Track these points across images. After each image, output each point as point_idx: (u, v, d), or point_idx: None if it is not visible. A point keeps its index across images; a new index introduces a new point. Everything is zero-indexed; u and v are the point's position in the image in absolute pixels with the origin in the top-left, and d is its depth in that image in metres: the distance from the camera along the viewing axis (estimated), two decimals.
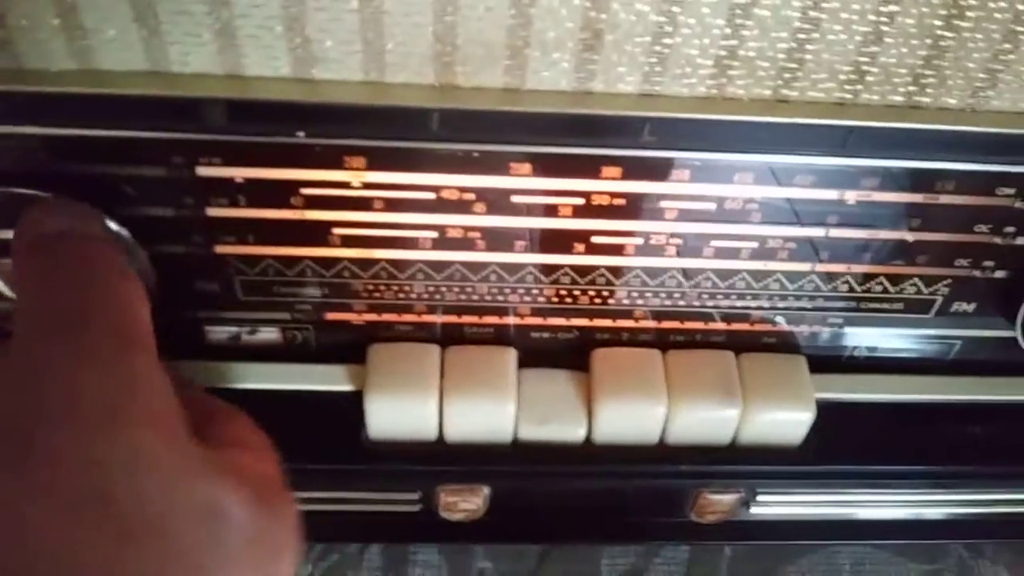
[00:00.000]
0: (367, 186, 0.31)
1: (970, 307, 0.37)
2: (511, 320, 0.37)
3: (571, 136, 0.30)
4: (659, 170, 0.31)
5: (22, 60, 0.27)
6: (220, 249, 0.33)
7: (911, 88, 0.29)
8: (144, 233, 0.32)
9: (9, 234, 0.29)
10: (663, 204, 0.33)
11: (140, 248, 0.32)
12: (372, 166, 0.31)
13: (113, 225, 0.31)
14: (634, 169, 0.31)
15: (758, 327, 0.38)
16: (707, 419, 0.37)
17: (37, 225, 0.27)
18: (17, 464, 0.22)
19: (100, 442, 0.22)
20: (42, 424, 0.22)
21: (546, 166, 0.31)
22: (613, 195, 0.32)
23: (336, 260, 0.34)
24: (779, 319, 0.37)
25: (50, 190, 0.30)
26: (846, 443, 0.38)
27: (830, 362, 0.39)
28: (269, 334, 0.37)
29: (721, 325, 0.37)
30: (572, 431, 0.37)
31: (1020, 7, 0.27)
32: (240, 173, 0.31)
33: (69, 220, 0.28)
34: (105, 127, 0.29)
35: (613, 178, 0.32)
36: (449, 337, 0.37)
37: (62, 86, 0.27)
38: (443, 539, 0.41)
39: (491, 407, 0.36)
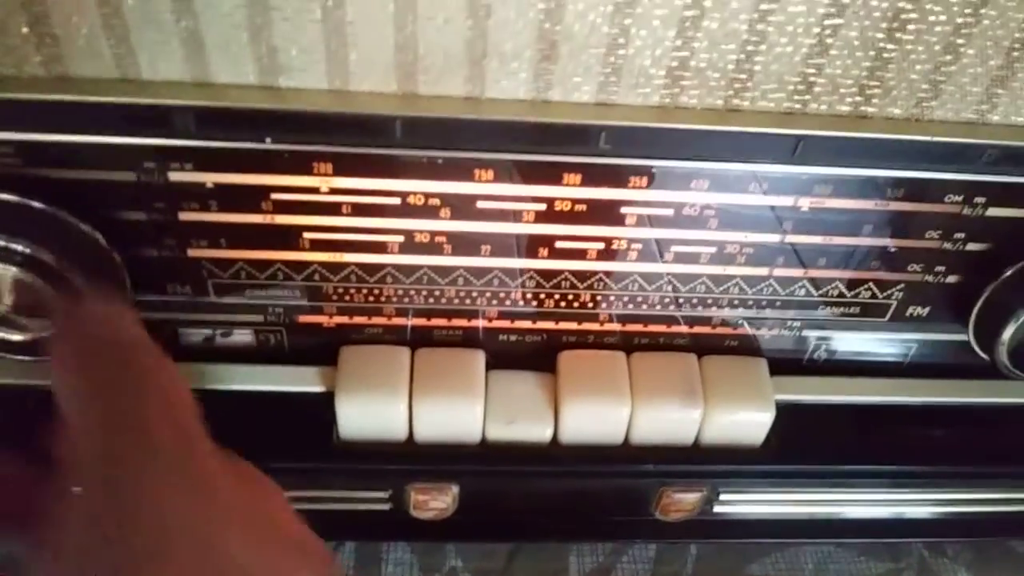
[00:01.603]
0: (335, 191, 0.32)
1: (924, 311, 0.38)
2: (479, 323, 0.38)
3: (531, 143, 0.31)
4: (617, 177, 0.32)
5: None
6: (193, 252, 0.34)
7: (857, 98, 0.30)
8: (118, 237, 0.33)
9: None
10: (623, 210, 0.34)
11: (114, 251, 0.33)
12: (339, 172, 0.32)
13: (88, 229, 0.32)
14: (593, 176, 0.32)
15: (720, 330, 0.39)
16: (670, 419, 0.38)
17: (78, 327, 0.26)
18: None
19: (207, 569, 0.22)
20: (144, 563, 0.21)
21: (508, 173, 0.32)
22: (574, 201, 0.33)
23: (306, 263, 0.35)
24: (740, 322, 0.38)
25: (24, 194, 0.31)
26: (806, 444, 0.39)
27: (791, 364, 0.40)
28: (243, 336, 0.38)
29: (684, 328, 0.38)
30: (539, 431, 0.38)
31: (959, 20, 0.28)
32: (211, 178, 0.32)
33: (110, 323, 0.26)
34: (77, 132, 0.29)
35: (573, 184, 0.33)
36: (419, 339, 0.38)
37: (33, 92, 0.28)
38: (414, 537, 0.42)
39: (459, 407, 0.37)
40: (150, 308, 0.36)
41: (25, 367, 0.36)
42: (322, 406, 0.37)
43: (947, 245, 0.35)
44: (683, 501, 0.40)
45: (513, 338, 0.39)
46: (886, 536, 0.43)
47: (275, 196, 0.32)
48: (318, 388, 0.38)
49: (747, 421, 0.38)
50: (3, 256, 0.30)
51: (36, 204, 0.31)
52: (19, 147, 0.30)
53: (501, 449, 0.38)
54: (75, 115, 0.29)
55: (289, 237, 0.34)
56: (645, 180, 0.32)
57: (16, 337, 0.33)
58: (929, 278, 0.37)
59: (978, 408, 0.40)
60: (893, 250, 0.35)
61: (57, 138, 0.30)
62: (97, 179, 0.31)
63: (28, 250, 0.31)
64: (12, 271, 0.31)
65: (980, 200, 0.34)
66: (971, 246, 0.35)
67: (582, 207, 0.33)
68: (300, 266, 0.35)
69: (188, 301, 0.36)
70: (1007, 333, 0.36)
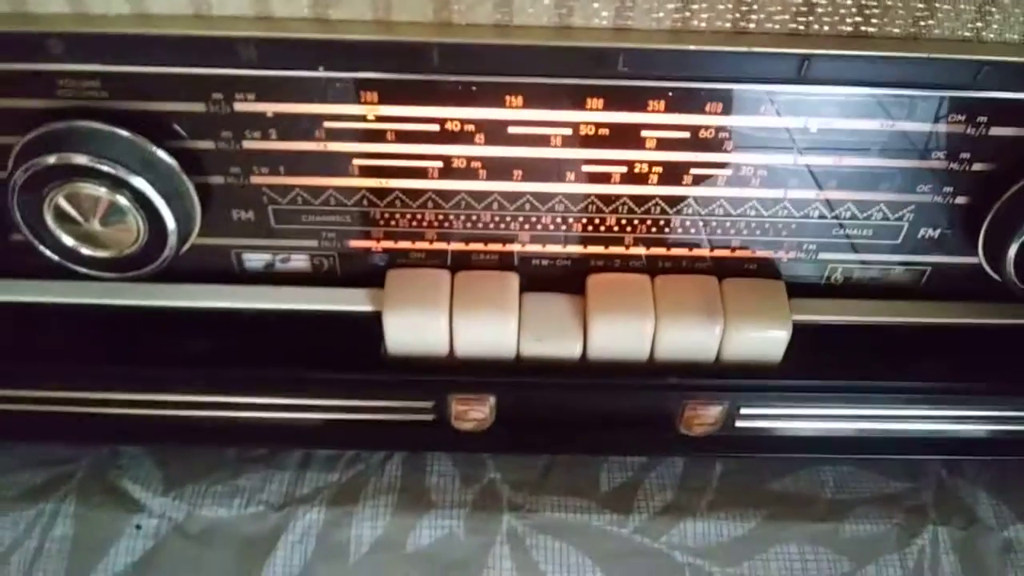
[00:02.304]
0: (380, 119, 0.36)
1: (935, 233, 0.40)
2: (514, 248, 0.41)
3: (556, 67, 0.34)
4: (636, 100, 0.35)
5: (85, 5, 0.32)
6: (255, 180, 0.38)
7: (857, 18, 0.33)
8: (190, 165, 0.37)
9: (78, 158, 0.34)
10: (643, 133, 0.36)
11: (186, 178, 0.37)
12: (384, 100, 0.35)
13: (166, 157, 0.36)
14: (614, 100, 0.35)
15: (739, 254, 0.41)
16: (691, 336, 0.40)
17: None
18: None
19: None
20: None
21: (536, 98, 0.35)
22: (597, 125, 0.36)
23: (356, 189, 0.39)
24: (758, 245, 0.41)
25: (111, 123, 0.35)
26: (823, 361, 0.42)
27: (809, 287, 0.42)
28: (299, 261, 0.42)
29: (704, 252, 0.41)
30: (569, 347, 0.41)
31: None
32: (271, 108, 0.36)
33: None
34: (155, 64, 0.34)
35: (596, 109, 0.36)
36: (458, 264, 0.41)
37: (118, 27, 0.32)
38: (455, 448, 0.45)
39: (495, 324, 0.40)
40: (217, 233, 0.40)
41: (107, 287, 0.40)
42: (371, 324, 0.40)
43: (953, 165, 0.37)
44: (706, 415, 0.42)
45: (545, 263, 0.42)
46: (905, 454, 0.45)
47: (327, 124, 0.36)
48: (367, 308, 0.41)
49: (764, 338, 0.40)
50: (94, 175, 0.34)
51: (121, 132, 0.35)
52: (105, 80, 0.34)
53: (534, 363, 0.41)
54: (154, 48, 0.33)
55: (340, 164, 0.37)
56: (663, 103, 0.35)
57: (102, 254, 0.37)
58: (938, 199, 0.39)
59: (994, 329, 0.42)
60: (901, 171, 0.38)
61: (138, 69, 0.34)
62: (172, 110, 0.35)
63: (115, 172, 0.35)
64: (102, 191, 0.35)
65: (982, 119, 0.36)
66: (976, 166, 0.37)
67: (605, 131, 0.36)
68: (350, 192, 0.39)
69: (250, 227, 0.40)
70: (1013, 250, 0.37)
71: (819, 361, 0.42)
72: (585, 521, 0.44)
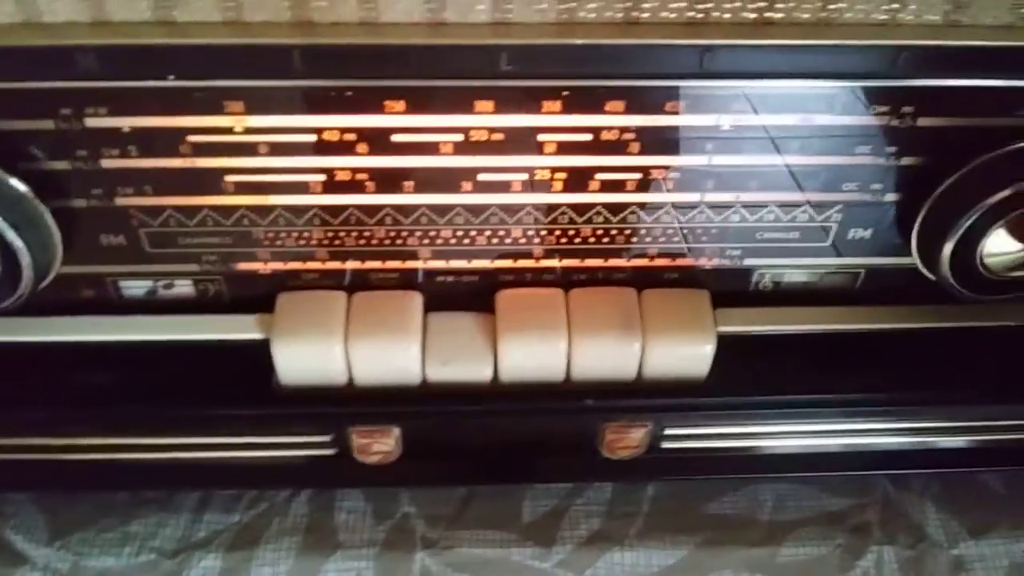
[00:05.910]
0: (249, 131, 0.33)
1: (866, 233, 0.37)
2: (414, 264, 0.38)
3: (434, 68, 0.31)
4: (529, 101, 0.32)
5: None
6: (120, 201, 0.35)
7: (761, 3, 0.30)
8: (46, 188, 0.33)
9: None
10: (540, 137, 0.33)
11: (41, 204, 0.33)
12: (250, 110, 0.32)
13: (14, 182, 0.32)
14: (505, 101, 0.32)
15: (658, 262, 0.38)
16: (608, 353, 0.37)
17: None
18: None
19: None
20: None
21: (419, 102, 0.32)
22: (490, 130, 0.33)
23: (233, 208, 0.35)
24: (677, 253, 0.38)
25: None
26: (753, 375, 0.39)
27: (736, 296, 0.39)
28: (183, 288, 0.38)
29: (621, 262, 0.38)
30: (478, 370, 0.38)
31: None
32: (127, 122, 0.32)
33: None
34: None
35: (486, 112, 0.32)
36: (356, 284, 0.38)
37: None
38: (363, 483, 0.42)
39: (395, 348, 0.37)
40: (86, 261, 0.36)
41: None
42: (261, 353, 0.37)
43: (880, 160, 0.34)
44: (627, 438, 0.39)
45: (450, 279, 0.38)
46: (847, 470, 0.42)
47: (192, 138, 0.33)
48: (257, 335, 0.38)
49: (687, 353, 0.37)
50: None
51: None
52: None
53: (441, 389, 0.38)
54: None
55: (212, 181, 0.34)
56: (558, 103, 0.32)
57: None
58: (867, 197, 0.36)
59: (933, 333, 0.39)
60: (825, 169, 0.35)
61: None
62: (18, 129, 0.32)
63: None
64: None
65: (907, 110, 0.33)
66: (905, 160, 0.34)
67: (499, 136, 0.33)
68: (227, 211, 0.35)
69: (124, 252, 0.36)
70: (947, 249, 0.35)
71: (748, 375, 0.39)
72: (505, 555, 0.41)
